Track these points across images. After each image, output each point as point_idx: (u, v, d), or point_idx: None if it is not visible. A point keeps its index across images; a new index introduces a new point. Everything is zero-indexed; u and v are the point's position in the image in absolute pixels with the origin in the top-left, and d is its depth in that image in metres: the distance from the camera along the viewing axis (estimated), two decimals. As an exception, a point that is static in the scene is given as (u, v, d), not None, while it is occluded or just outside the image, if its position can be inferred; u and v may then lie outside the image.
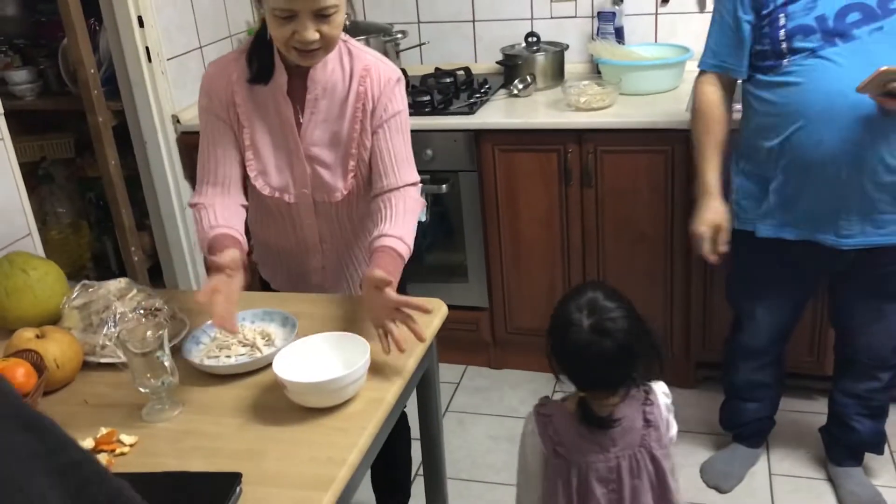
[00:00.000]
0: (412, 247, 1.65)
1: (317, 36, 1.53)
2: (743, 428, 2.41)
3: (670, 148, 2.46)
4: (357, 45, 1.71)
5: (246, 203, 1.74)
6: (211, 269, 1.50)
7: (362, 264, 1.87)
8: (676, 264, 2.63)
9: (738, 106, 2.07)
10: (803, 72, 1.84)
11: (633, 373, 1.52)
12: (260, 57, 1.66)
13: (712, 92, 2.01)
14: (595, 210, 2.65)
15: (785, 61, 1.87)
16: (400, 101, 1.70)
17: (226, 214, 1.66)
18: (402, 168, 1.70)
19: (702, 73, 2.04)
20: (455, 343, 2.93)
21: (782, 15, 1.85)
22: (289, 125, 1.69)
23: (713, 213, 2.02)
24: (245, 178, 1.74)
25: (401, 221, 1.64)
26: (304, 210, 1.77)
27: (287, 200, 1.74)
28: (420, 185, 1.74)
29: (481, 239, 2.81)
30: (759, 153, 1.97)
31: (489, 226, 2.79)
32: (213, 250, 1.57)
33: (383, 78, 1.68)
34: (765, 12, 1.87)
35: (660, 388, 1.58)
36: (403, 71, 3.01)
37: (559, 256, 2.76)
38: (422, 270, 2.94)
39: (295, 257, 1.87)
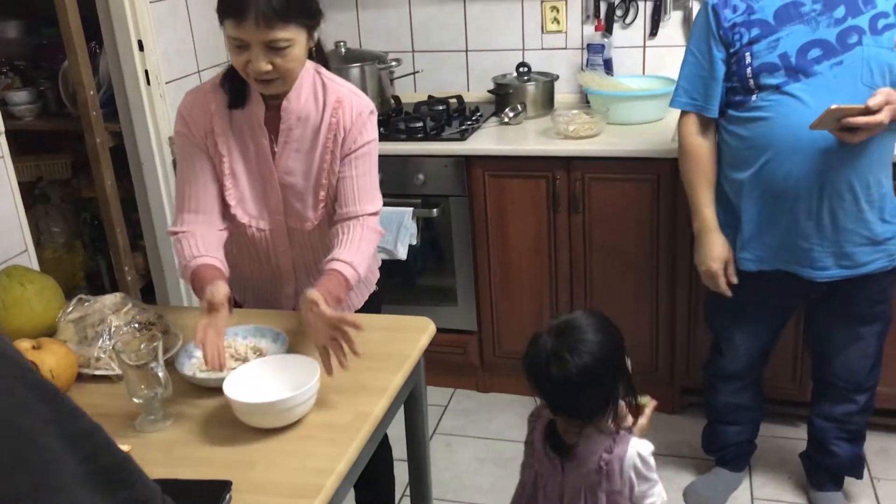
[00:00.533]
0: (362, 272, 1.67)
1: (269, 67, 1.57)
2: (725, 451, 2.45)
3: (656, 176, 2.52)
4: (331, 76, 1.74)
5: (225, 230, 1.76)
6: (207, 305, 1.53)
7: None
8: (662, 291, 2.68)
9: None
10: (770, 107, 1.92)
11: (591, 410, 1.50)
12: (233, 84, 1.69)
13: (695, 132, 2.07)
14: (583, 236, 2.71)
15: (754, 97, 1.94)
16: (370, 132, 1.73)
17: (207, 243, 1.69)
18: (363, 198, 1.73)
19: (683, 113, 2.10)
20: (443, 366, 2.96)
21: (748, 53, 1.93)
22: (264, 154, 1.73)
23: (720, 249, 2.07)
24: (223, 206, 1.77)
25: (354, 248, 1.67)
26: (279, 237, 1.80)
27: (262, 227, 1.78)
28: (379, 214, 1.77)
29: (471, 263, 2.86)
30: (732, 185, 2.04)
31: (479, 250, 2.83)
32: (202, 282, 1.59)
33: (355, 110, 1.71)
34: (732, 50, 1.95)
35: (636, 447, 1.52)
36: (397, 98, 3.11)
37: (547, 281, 2.80)
38: (412, 293, 2.98)
39: (268, 284, 1.90)
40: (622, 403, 1.53)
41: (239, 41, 1.55)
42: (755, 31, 1.92)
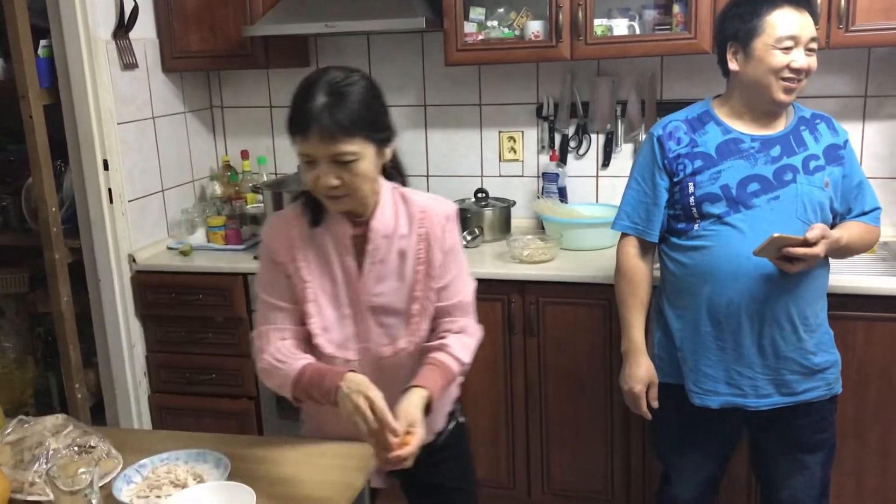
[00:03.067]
0: (466, 361, 1.71)
1: (337, 182, 1.56)
2: (680, 583, 2.39)
3: (607, 301, 2.57)
4: (408, 189, 1.75)
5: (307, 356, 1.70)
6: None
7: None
8: (616, 414, 2.69)
9: (657, 264, 2.20)
10: (712, 236, 1.99)
11: None
12: (312, 204, 1.69)
13: (634, 254, 2.12)
14: (538, 359, 2.72)
15: (696, 226, 2.02)
16: (456, 233, 1.75)
17: (296, 351, 1.68)
18: (458, 297, 1.75)
19: (623, 235, 2.16)
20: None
21: (691, 183, 2.01)
22: (350, 276, 1.69)
23: (645, 371, 2.08)
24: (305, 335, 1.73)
25: (456, 340, 1.71)
26: (368, 368, 1.70)
27: (349, 358, 1.71)
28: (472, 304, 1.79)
29: (427, 385, 2.85)
30: (674, 310, 2.09)
31: (435, 372, 2.83)
32: (321, 376, 1.60)
33: (441, 214, 1.72)
34: (676, 180, 2.04)
35: None
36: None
37: (503, 405, 2.80)
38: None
39: None
40: None
41: (306, 156, 1.56)
42: (698, 163, 2.01)
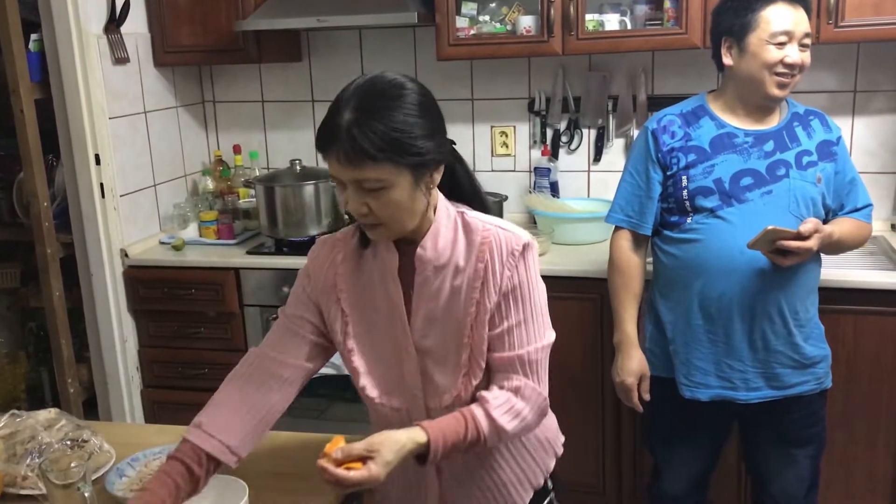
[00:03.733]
0: (506, 429, 1.40)
1: (364, 209, 1.34)
2: (671, 576, 2.41)
3: (599, 296, 2.58)
4: (477, 215, 1.47)
5: (284, 400, 1.51)
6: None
7: (493, 494, 1.59)
8: (608, 409, 2.70)
9: (650, 259, 2.22)
10: (704, 230, 2.01)
11: None
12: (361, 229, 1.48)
13: (627, 247, 2.14)
14: (529, 353, 2.73)
15: (689, 219, 2.03)
16: (524, 271, 1.45)
17: (229, 414, 1.45)
18: (514, 341, 1.45)
19: (617, 228, 2.18)
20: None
21: (685, 177, 2.03)
22: (398, 312, 1.47)
23: (637, 363, 2.10)
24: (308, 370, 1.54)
25: (502, 398, 1.41)
26: (416, 418, 1.44)
27: (395, 406, 1.50)
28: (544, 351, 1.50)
29: (419, 379, 2.85)
30: (666, 303, 2.11)
31: (427, 366, 2.84)
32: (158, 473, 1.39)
33: (506, 248, 1.43)
34: (669, 173, 2.05)
35: None
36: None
37: (495, 398, 2.80)
38: (361, 410, 2.95)
39: (408, 485, 1.58)
40: None
41: (336, 180, 1.35)
42: (692, 157, 2.03)
